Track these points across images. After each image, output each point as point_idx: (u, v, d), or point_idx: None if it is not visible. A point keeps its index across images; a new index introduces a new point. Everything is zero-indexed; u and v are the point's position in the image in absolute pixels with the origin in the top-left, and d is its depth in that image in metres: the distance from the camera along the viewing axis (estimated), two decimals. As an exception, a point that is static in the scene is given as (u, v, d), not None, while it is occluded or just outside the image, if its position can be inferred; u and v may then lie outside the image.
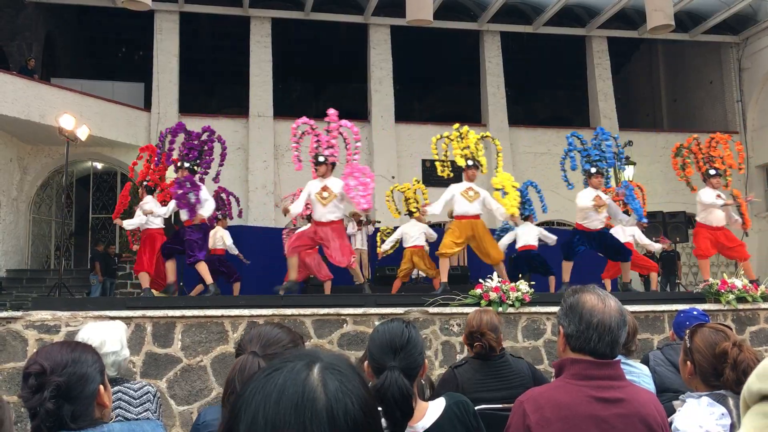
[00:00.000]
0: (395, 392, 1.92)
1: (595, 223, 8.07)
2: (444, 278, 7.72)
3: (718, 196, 8.42)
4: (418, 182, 11.39)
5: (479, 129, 17.55)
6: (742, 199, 8.66)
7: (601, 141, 8.42)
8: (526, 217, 10.26)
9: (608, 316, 1.94)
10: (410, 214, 10.78)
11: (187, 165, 7.94)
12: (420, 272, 12.12)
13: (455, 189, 7.88)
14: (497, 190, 7.76)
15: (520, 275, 8.00)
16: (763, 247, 17.41)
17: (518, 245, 10.13)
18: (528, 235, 10.12)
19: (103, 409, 1.85)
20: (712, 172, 8.59)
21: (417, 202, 10.81)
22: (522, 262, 10.03)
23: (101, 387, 1.84)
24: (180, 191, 7.79)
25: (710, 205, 8.38)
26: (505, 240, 10.21)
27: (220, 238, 10.39)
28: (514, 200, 7.71)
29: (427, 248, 10.55)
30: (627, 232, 9.98)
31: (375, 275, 11.88)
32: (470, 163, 7.94)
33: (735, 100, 18.91)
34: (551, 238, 10.19)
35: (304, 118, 8.14)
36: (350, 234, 12.28)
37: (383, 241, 11.41)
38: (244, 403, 0.84)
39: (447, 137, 8.24)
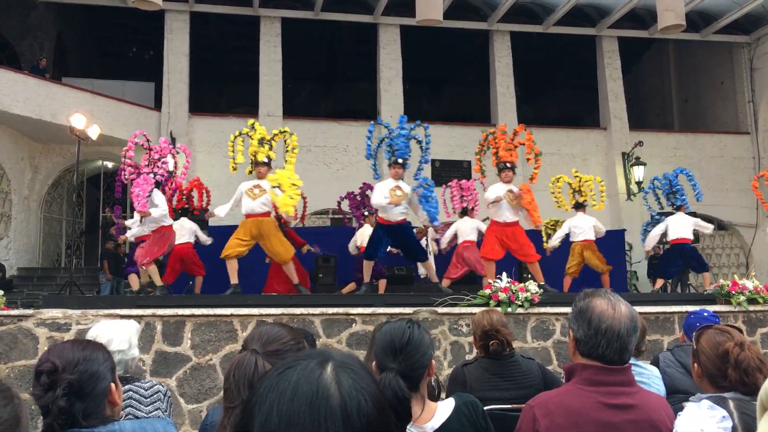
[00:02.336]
0: (389, 395, 1.90)
1: (395, 215, 7.71)
2: (234, 279, 7.71)
3: (510, 191, 8.19)
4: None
5: (489, 129, 17.68)
6: (523, 194, 8.14)
7: (399, 131, 8.14)
8: (678, 207, 9.68)
9: (618, 322, 1.93)
10: (577, 206, 10.22)
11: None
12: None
13: (242, 187, 7.93)
14: (273, 187, 7.49)
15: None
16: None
17: (670, 237, 9.52)
18: (681, 227, 9.45)
19: (113, 407, 1.86)
20: (501, 165, 8.31)
21: (583, 194, 10.22)
22: (675, 256, 9.51)
23: (112, 385, 1.85)
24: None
25: (494, 200, 8.16)
26: (656, 231, 9.64)
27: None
28: (288, 199, 7.36)
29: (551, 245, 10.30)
30: (679, 223, 9.51)
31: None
32: (263, 160, 7.93)
33: (747, 100, 18.78)
34: (708, 227, 9.65)
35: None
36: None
37: (549, 236, 10.93)
38: (258, 400, 0.85)
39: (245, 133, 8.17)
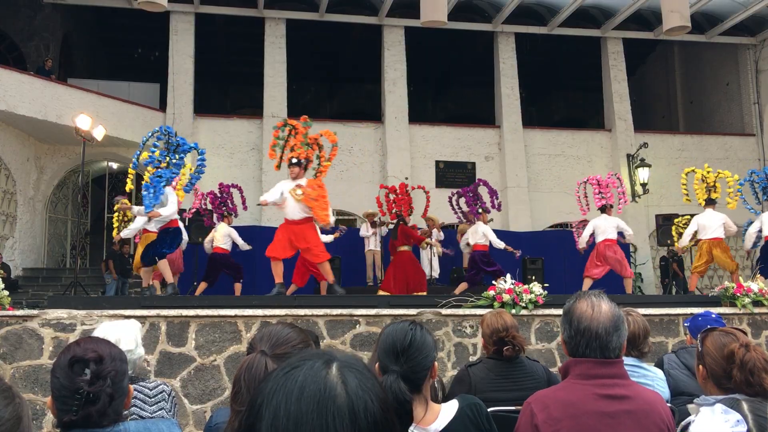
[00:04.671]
0: (390, 397, 1.89)
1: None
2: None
3: (298, 185, 7.94)
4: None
5: (493, 130, 17.72)
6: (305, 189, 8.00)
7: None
8: None
9: (596, 323, 1.97)
10: (709, 201, 9.72)
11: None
12: (432, 272, 12.10)
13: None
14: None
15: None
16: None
17: (765, 233, 9.30)
18: None
19: (124, 408, 1.87)
20: (294, 160, 8.11)
21: (717, 190, 9.72)
22: None
23: (131, 385, 1.88)
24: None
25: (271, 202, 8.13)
26: (752, 229, 9.37)
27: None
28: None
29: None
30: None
31: (388, 276, 11.87)
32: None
33: (752, 102, 18.73)
34: None
35: None
36: (364, 236, 12.32)
37: (680, 235, 10.58)
38: (264, 400, 0.85)
39: None
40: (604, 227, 9.77)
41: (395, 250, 11.15)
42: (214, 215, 10.82)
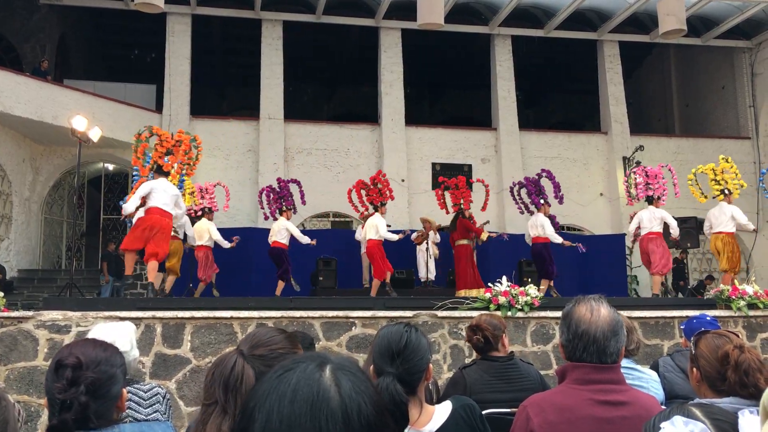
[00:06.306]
0: (386, 399, 1.89)
1: None
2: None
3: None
4: (725, 160, 9.93)
5: (490, 133, 17.76)
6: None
7: None
8: None
9: (594, 327, 1.97)
10: (724, 193, 9.63)
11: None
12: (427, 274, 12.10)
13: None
14: None
15: None
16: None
17: None
18: None
19: (119, 412, 1.86)
20: (173, 168, 8.59)
21: (726, 182, 9.68)
22: None
23: (124, 390, 1.86)
24: None
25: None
26: None
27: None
28: None
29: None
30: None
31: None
32: None
33: (747, 105, 18.78)
34: None
35: None
36: (359, 239, 12.29)
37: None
38: (257, 403, 0.85)
39: None
40: (649, 219, 9.62)
41: (454, 243, 11.16)
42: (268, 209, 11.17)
